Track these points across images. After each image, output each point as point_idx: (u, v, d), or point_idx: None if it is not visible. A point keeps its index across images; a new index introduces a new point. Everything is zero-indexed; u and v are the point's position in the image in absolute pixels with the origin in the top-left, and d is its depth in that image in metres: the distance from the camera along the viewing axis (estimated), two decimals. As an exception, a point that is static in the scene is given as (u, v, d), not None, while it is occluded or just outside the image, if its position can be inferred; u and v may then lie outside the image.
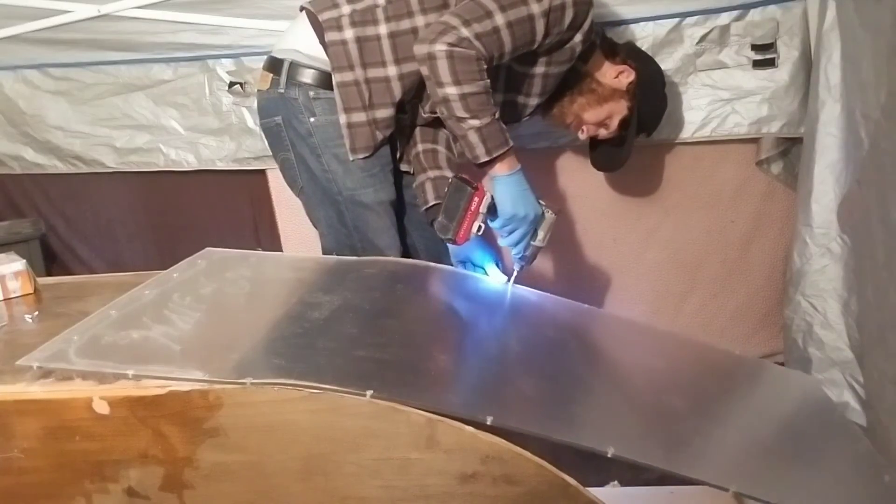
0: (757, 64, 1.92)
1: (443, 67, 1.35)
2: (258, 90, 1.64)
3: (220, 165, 2.27)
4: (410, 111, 1.60)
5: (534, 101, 1.63)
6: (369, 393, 0.87)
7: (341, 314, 1.14)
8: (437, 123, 1.62)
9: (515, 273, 1.48)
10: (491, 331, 1.35)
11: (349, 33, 1.49)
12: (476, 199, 1.39)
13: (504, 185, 1.42)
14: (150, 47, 2.16)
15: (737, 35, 1.91)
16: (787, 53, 1.89)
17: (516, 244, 1.46)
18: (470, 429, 0.87)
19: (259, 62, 2.10)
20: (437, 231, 1.45)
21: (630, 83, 1.66)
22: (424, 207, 1.61)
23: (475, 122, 1.37)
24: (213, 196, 2.39)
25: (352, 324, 1.13)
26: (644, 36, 1.93)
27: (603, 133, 1.72)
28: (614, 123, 1.70)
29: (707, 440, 1.08)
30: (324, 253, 1.66)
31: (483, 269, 1.54)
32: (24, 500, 0.95)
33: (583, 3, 1.47)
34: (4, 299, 1.28)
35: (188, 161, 2.28)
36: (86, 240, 2.52)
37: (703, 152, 2.08)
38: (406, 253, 1.65)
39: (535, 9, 1.40)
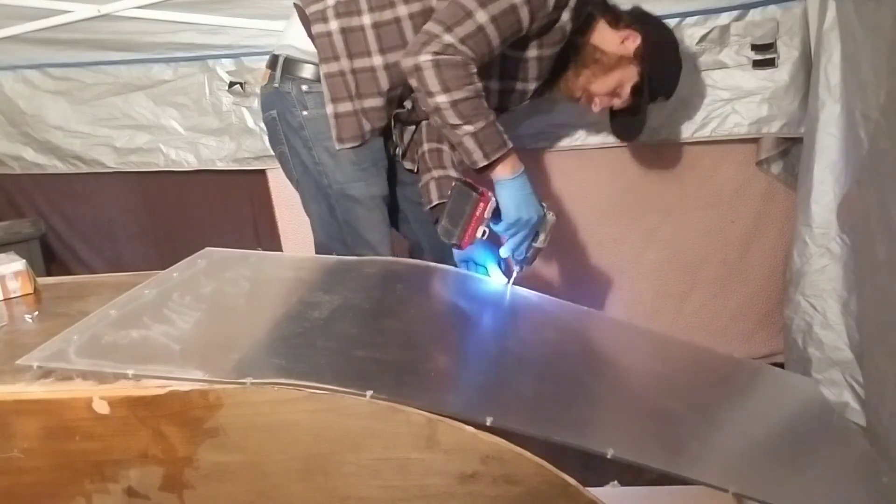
0: (757, 64, 1.92)
1: (430, 77, 1.34)
2: (260, 87, 1.65)
3: (220, 165, 2.28)
4: (415, 107, 1.60)
5: (532, 85, 1.61)
6: (369, 393, 0.86)
7: (341, 314, 1.14)
8: None
9: (515, 274, 1.48)
10: (491, 332, 1.35)
11: (334, 24, 1.49)
12: (481, 204, 1.38)
13: (508, 190, 1.41)
14: (150, 47, 2.16)
15: (737, 35, 1.91)
16: (787, 53, 1.89)
17: (518, 246, 1.46)
18: (470, 429, 0.87)
19: (259, 62, 2.13)
20: (440, 235, 1.45)
21: (637, 48, 1.59)
22: (429, 207, 1.61)
23: (469, 128, 1.36)
24: (213, 196, 2.39)
25: (352, 324, 1.13)
26: (644, 36, 1.93)
27: (616, 102, 1.66)
28: (626, 91, 1.63)
29: (706, 442, 1.09)
30: (316, 246, 1.67)
31: (485, 268, 1.54)
32: (23, 500, 0.95)
33: None
34: (4, 299, 1.28)
35: (188, 161, 2.28)
36: (86, 240, 2.52)
37: (703, 152, 2.08)
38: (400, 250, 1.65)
39: None
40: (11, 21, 2.12)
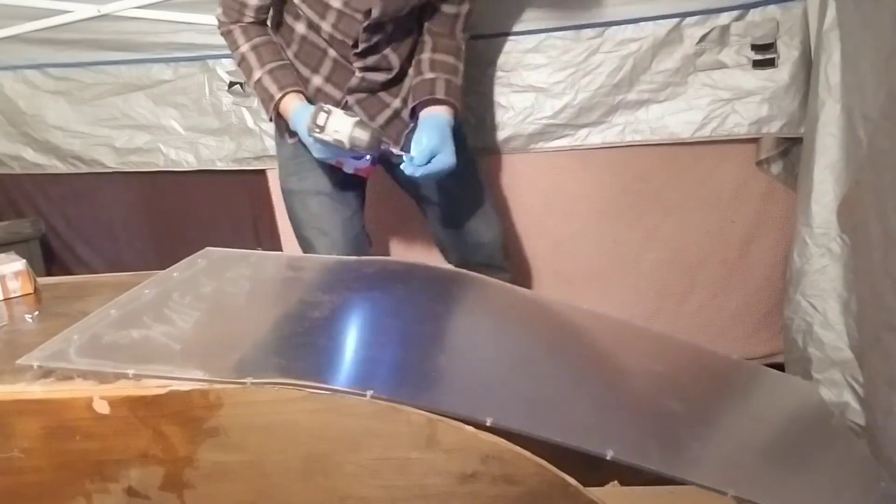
0: (757, 64, 1.91)
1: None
2: None
3: (220, 165, 2.27)
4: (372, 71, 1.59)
5: None
6: (369, 393, 0.87)
7: (341, 314, 1.14)
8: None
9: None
10: (491, 332, 1.35)
11: None
12: None
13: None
14: (149, 47, 2.16)
15: (737, 35, 1.91)
16: (788, 53, 1.89)
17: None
18: (470, 428, 0.87)
19: (259, 62, 2.13)
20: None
21: None
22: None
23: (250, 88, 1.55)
24: (212, 196, 2.39)
25: (352, 324, 1.13)
26: (644, 36, 1.93)
27: None
28: None
29: (705, 444, 1.09)
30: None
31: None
32: (24, 499, 0.95)
33: None
34: (5, 299, 1.28)
35: (188, 161, 2.28)
36: (85, 240, 2.52)
37: (703, 152, 2.07)
38: (357, 247, 1.67)
39: None
40: (11, 21, 2.12)
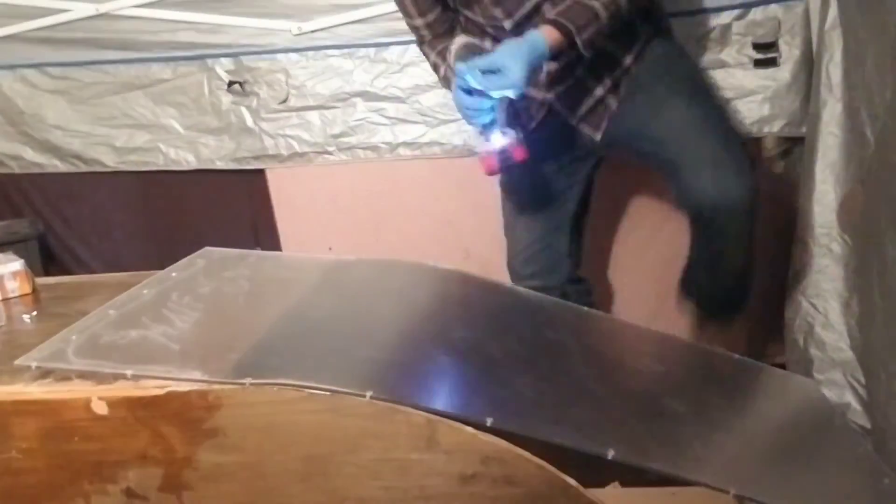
0: (758, 63, 1.91)
1: None
2: None
3: (220, 165, 2.27)
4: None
5: None
6: (369, 393, 0.86)
7: (341, 314, 1.14)
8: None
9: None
10: (491, 332, 1.35)
11: None
12: None
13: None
14: (149, 46, 2.15)
15: (738, 34, 1.91)
16: (789, 52, 1.89)
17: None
18: (470, 429, 0.86)
19: (258, 61, 2.13)
20: None
21: None
22: None
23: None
24: (212, 196, 2.39)
25: (352, 324, 1.13)
26: (645, 35, 1.93)
27: None
28: None
29: (707, 443, 1.08)
30: None
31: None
32: (22, 500, 0.95)
33: None
34: (3, 299, 1.28)
35: (187, 160, 2.28)
36: (84, 240, 2.51)
37: (704, 152, 2.07)
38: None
39: None
40: (10, 20, 2.11)
